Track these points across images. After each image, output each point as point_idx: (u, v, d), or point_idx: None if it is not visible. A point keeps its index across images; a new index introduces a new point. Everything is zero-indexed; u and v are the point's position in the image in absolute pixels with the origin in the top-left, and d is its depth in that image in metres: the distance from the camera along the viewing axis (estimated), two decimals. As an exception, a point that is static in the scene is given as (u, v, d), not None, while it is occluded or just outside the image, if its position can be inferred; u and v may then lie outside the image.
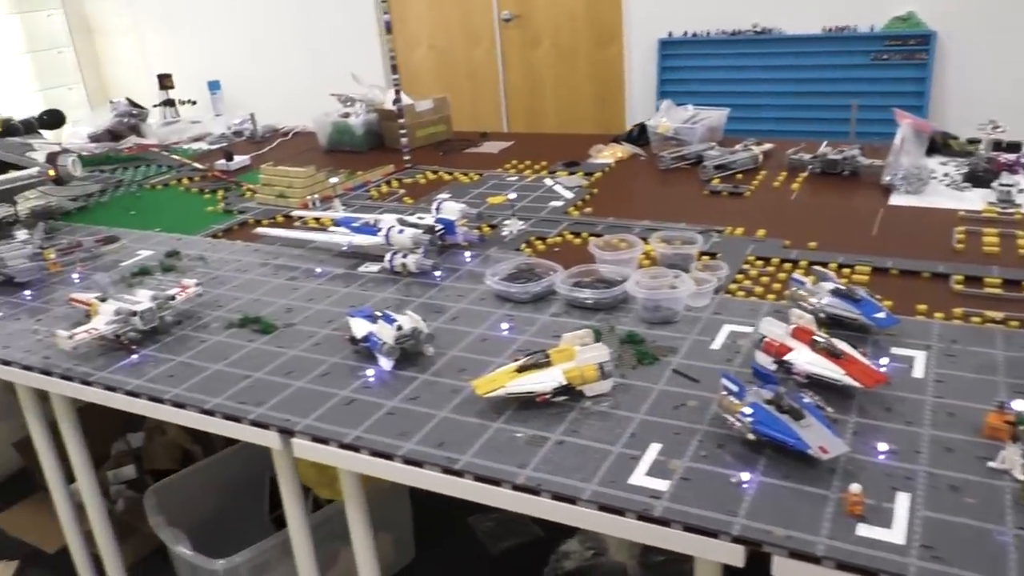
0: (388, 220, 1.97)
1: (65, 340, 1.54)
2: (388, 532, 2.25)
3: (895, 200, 2.10)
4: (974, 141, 2.39)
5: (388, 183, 2.67)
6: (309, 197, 2.46)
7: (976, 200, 2.05)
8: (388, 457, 1.21)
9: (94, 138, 3.65)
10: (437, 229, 1.93)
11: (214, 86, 3.86)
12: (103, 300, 1.67)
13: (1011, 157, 2.21)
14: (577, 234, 2.05)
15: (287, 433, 1.31)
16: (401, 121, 2.77)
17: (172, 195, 2.80)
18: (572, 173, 2.57)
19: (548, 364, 1.29)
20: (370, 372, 1.43)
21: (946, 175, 2.26)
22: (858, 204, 2.11)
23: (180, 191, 2.83)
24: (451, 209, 2.00)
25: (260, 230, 2.15)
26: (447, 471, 1.16)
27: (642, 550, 2.22)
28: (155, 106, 4.21)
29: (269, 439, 1.32)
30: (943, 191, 2.15)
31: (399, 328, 1.43)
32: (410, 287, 1.80)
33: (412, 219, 1.97)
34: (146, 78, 6.64)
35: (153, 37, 6.32)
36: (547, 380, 1.26)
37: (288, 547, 1.58)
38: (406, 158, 2.81)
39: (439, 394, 1.35)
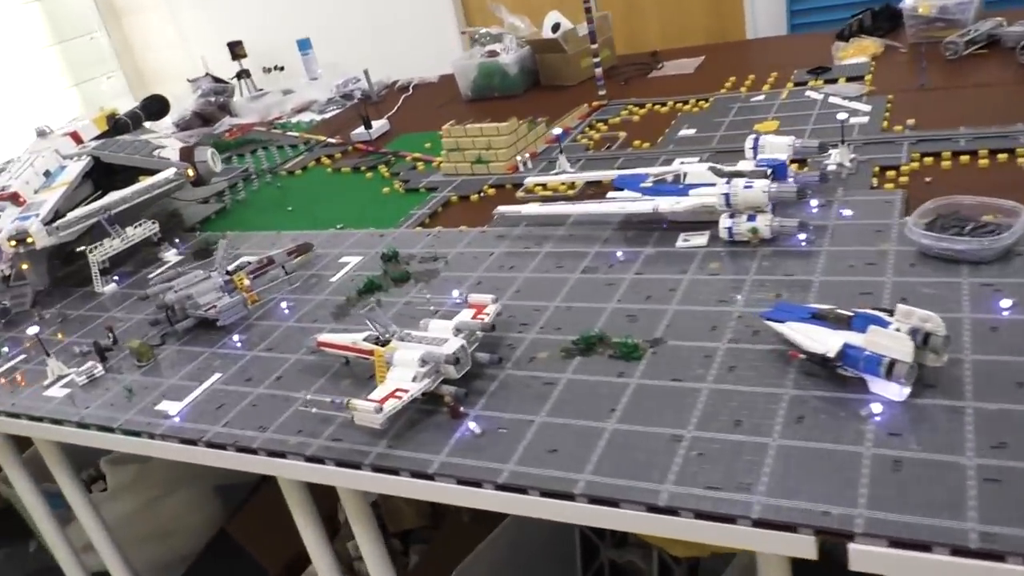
0: (698, 170, 1.44)
1: (369, 413, 1.05)
2: None
3: None
4: None
5: (591, 127, 2.13)
6: (519, 158, 1.94)
7: None
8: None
9: (182, 125, 3.14)
10: (768, 175, 1.41)
11: (304, 45, 3.31)
12: (383, 343, 1.17)
13: None
14: (933, 155, 1.52)
15: (838, 536, 0.81)
16: (594, 48, 2.21)
17: (321, 180, 2.29)
18: (850, 80, 2.01)
19: None
20: (876, 409, 0.93)
21: None
22: None
23: (327, 173, 2.32)
24: (777, 145, 1.47)
25: (503, 209, 1.63)
26: None
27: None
28: (231, 79, 3.66)
29: (803, 547, 0.83)
30: None
31: (897, 331, 0.92)
32: (777, 261, 1.28)
33: (723, 168, 1.44)
34: (184, 56, 6.09)
35: (187, 8, 5.72)
36: None
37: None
38: (601, 93, 2.26)
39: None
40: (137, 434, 1.26)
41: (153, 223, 1.89)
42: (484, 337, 1.21)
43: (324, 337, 1.28)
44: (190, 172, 1.98)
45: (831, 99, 1.89)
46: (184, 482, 2.05)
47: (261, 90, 3.43)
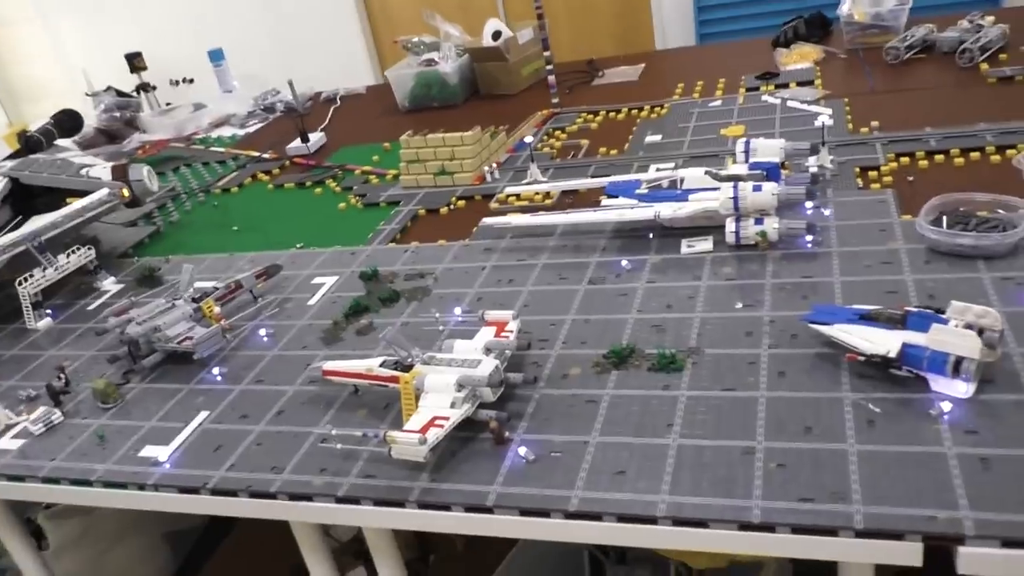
0: (695, 175, 1.43)
1: (412, 445, 0.96)
2: None
3: None
4: None
5: (549, 135, 2.09)
6: (486, 168, 1.87)
7: None
8: None
9: (85, 143, 2.89)
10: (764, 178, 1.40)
11: (216, 56, 3.11)
12: (404, 367, 1.09)
13: None
14: (908, 155, 1.56)
15: (946, 541, 0.79)
16: (548, 54, 2.17)
17: (262, 197, 2.15)
18: (800, 85, 2.05)
19: None
20: (946, 407, 0.92)
21: None
22: None
23: (268, 190, 2.18)
24: (769, 148, 1.47)
25: (490, 221, 1.56)
26: None
27: None
28: (132, 93, 3.41)
29: (908, 555, 0.80)
30: None
31: (968, 327, 0.93)
32: (789, 264, 1.28)
33: (720, 172, 1.44)
34: (63, 71, 5.69)
35: (65, 20, 5.35)
36: None
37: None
38: (555, 101, 2.23)
39: (1103, 425, 0.86)
40: (123, 485, 1.12)
41: (88, 249, 1.71)
42: (510, 357, 1.14)
43: (330, 365, 1.17)
44: (125, 192, 1.81)
45: (789, 103, 1.93)
46: (131, 531, 1.86)
47: (169, 104, 3.22)
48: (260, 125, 2.85)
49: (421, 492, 0.97)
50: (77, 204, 1.73)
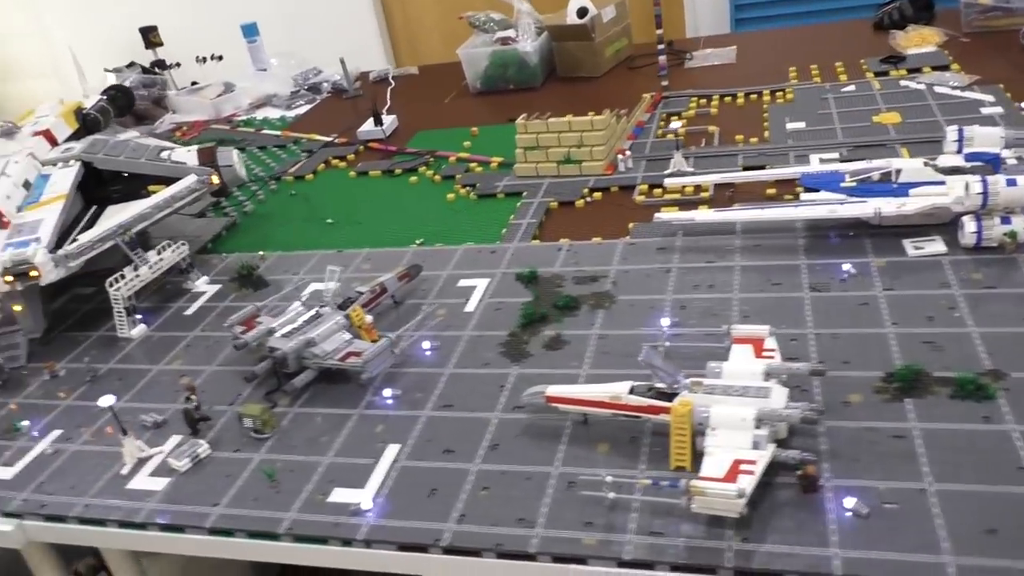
0: (913, 167, 1.27)
1: (728, 498, 0.78)
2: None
3: None
4: None
5: (664, 120, 1.91)
6: (620, 157, 1.69)
7: None
8: None
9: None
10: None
11: (250, 31, 2.86)
12: (668, 395, 0.90)
13: None
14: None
15: None
16: (659, 32, 1.97)
17: (346, 186, 1.93)
18: (935, 69, 1.90)
19: None
20: None
21: None
22: None
23: (350, 178, 1.96)
24: (987, 137, 1.31)
25: (667, 217, 1.38)
26: None
27: None
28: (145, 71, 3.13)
29: None
30: None
31: None
32: (1048, 269, 1.12)
33: (939, 163, 1.28)
34: (47, 48, 5.32)
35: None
36: None
37: None
38: (664, 84, 2.05)
39: None
40: (322, 540, 0.92)
41: (181, 244, 1.49)
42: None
43: (555, 391, 0.98)
44: (214, 179, 1.58)
45: (937, 89, 1.78)
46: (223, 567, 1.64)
47: (195, 83, 2.95)
48: (307, 106, 2.62)
49: (737, 556, 0.79)
50: (166, 193, 1.50)
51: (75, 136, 1.71)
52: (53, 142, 1.63)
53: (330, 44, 3.07)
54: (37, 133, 1.61)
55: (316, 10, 4.63)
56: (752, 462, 0.82)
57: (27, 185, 1.49)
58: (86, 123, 1.75)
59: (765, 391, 0.89)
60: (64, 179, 1.50)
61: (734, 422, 0.86)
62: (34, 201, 1.45)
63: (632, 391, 0.94)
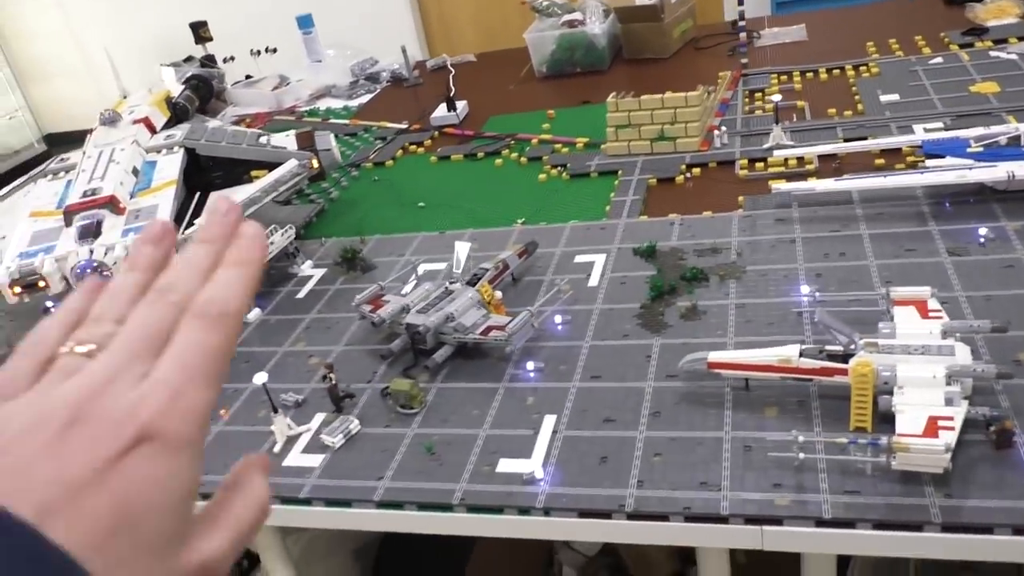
0: (1043, 131, 1.25)
1: (935, 453, 0.77)
2: None
3: None
4: None
5: (748, 97, 1.91)
6: (716, 132, 1.68)
7: None
8: None
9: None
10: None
11: (306, 22, 2.87)
12: (844, 356, 0.89)
13: None
14: None
15: None
16: (741, 8, 1.97)
17: (428, 170, 1.93)
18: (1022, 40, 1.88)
19: None
20: None
21: None
22: None
23: (431, 163, 1.96)
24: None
25: (786, 187, 1.37)
26: None
27: None
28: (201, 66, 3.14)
29: None
30: None
31: None
32: None
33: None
34: (74, 47, 5.35)
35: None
36: None
37: None
38: (744, 61, 2.04)
39: None
40: (498, 510, 0.92)
41: (289, 228, 1.49)
42: (948, 340, 0.95)
43: (717, 356, 0.98)
44: (314, 163, 1.58)
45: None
46: (334, 549, 1.65)
47: (250, 76, 2.95)
48: (369, 96, 2.62)
49: (943, 512, 0.78)
50: (270, 177, 1.50)
51: (168, 124, 1.72)
52: (152, 130, 1.63)
53: (368, 39, 3.09)
54: (137, 121, 1.62)
55: (352, 4, 4.65)
56: (950, 418, 0.81)
57: (135, 172, 1.49)
58: (176, 111, 1.76)
59: (949, 348, 0.88)
60: (171, 165, 1.50)
61: (924, 380, 0.85)
62: (145, 187, 1.46)
63: (802, 354, 0.93)
